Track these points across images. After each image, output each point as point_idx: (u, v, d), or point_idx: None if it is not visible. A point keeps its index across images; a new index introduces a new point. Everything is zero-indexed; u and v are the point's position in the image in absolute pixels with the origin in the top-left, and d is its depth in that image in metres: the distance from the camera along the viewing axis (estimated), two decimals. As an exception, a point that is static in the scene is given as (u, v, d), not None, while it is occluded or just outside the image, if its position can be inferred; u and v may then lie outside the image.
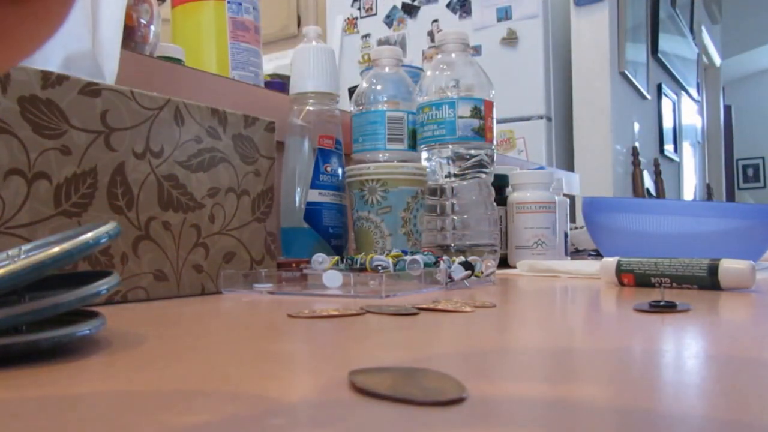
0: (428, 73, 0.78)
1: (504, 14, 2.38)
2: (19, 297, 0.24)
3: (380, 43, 2.70)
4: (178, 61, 0.80)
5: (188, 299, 0.45)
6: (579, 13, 2.42)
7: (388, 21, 2.66)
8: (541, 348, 0.25)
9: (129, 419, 0.16)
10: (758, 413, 0.16)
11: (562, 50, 2.44)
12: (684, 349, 0.25)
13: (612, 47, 2.41)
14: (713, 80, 4.81)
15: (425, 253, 0.55)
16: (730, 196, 5.16)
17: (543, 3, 2.31)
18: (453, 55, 0.77)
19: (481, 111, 0.74)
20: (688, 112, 3.94)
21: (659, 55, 3.11)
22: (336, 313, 0.35)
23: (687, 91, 3.85)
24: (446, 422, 0.15)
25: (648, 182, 2.89)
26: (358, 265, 0.54)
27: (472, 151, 0.74)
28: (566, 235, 0.92)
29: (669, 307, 0.35)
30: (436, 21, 2.55)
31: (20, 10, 0.12)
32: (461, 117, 0.73)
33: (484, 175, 0.75)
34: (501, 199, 0.87)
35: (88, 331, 0.25)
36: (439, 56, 0.78)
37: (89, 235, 0.25)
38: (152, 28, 0.74)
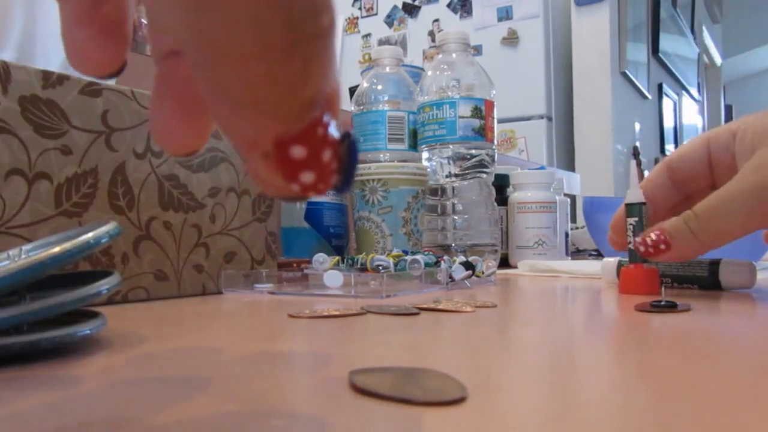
0: (429, 72, 0.78)
1: (505, 14, 2.38)
2: (20, 297, 0.24)
3: (381, 42, 2.70)
4: (178, 61, 0.80)
5: (189, 299, 0.45)
6: (579, 13, 2.42)
7: (389, 21, 2.66)
8: (542, 348, 0.25)
9: (129, 419, 0.16)
10: (758, 413, 0.16)
11: (563, 50, 2.44)
12: (685, 348, 0.25)
13: (613, 47, 2.41)
14: (714, 80, 4.81)
15: (426, 253, 0.55)
16: (731, 196, 5.14)
17: (543, 3, 2.31)
18: (454, 54, 0.76)
19: (482, 111, 0.74)
20: (688, 112, 3.94)
21: (660, 54, 3.11)
22: (337, 313, 0.35)
23: (688, 91, 3.85)
24: (446, 422, 0.15)
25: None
26: (358, 265, 0.54)
27: (473, 151, 0.74)
28: (567, 235, 0.92)
29: (670, 307, 0.35)
30: (436, 21, 2.55)
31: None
32: (462, 117, 0.73)
33: (484, 175, 0.75)
34: (502, 199, 0.87)
35: (88, 331, 0.25)
36: (440, 56, 0.78)
37: (90, 235, 0.25)
38: (153, 28, 0.74)
